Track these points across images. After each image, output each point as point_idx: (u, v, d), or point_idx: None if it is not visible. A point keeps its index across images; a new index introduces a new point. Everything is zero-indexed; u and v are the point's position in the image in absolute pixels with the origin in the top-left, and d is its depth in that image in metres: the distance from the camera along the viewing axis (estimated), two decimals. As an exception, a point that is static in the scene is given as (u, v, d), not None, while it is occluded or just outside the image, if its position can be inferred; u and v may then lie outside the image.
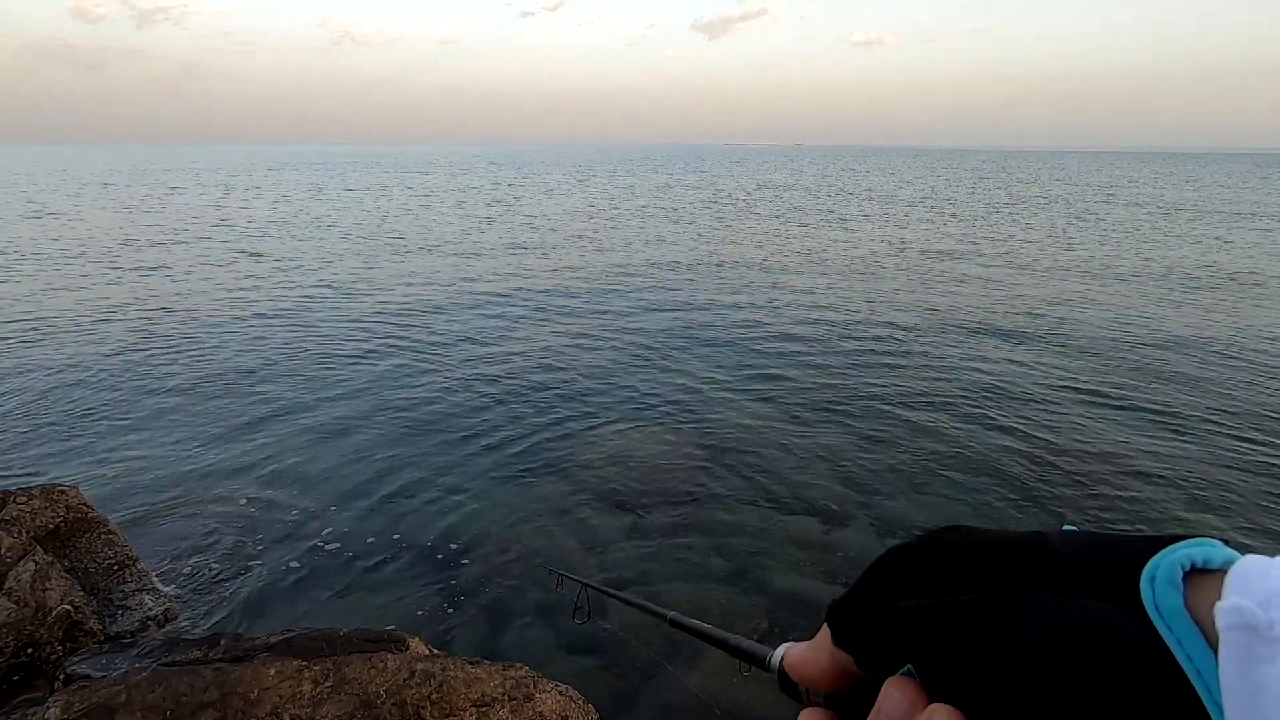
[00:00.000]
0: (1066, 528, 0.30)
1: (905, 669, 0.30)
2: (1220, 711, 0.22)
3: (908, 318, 10.40)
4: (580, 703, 2.56)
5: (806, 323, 10.10)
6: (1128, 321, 10.17)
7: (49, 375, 7.41)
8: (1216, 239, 19.49)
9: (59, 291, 11.49)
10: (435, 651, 2.70)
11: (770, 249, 17.45)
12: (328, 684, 2.38)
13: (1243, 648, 0.22)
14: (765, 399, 7.05)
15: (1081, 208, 29.45)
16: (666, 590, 4.02)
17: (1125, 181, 51.50)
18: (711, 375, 7.72)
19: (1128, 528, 4.42)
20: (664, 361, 8.29)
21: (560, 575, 1.97)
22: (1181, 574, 0.25)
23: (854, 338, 9.29)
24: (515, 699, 2.38)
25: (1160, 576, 0.25)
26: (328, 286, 12.26)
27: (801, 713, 0.36)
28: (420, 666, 2.43)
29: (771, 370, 7.91)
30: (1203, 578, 0.25)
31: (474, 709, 2.32)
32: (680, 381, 7.53)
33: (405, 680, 2.38)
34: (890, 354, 8.55)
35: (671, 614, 0.87)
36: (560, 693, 2.48)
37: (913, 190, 40.63)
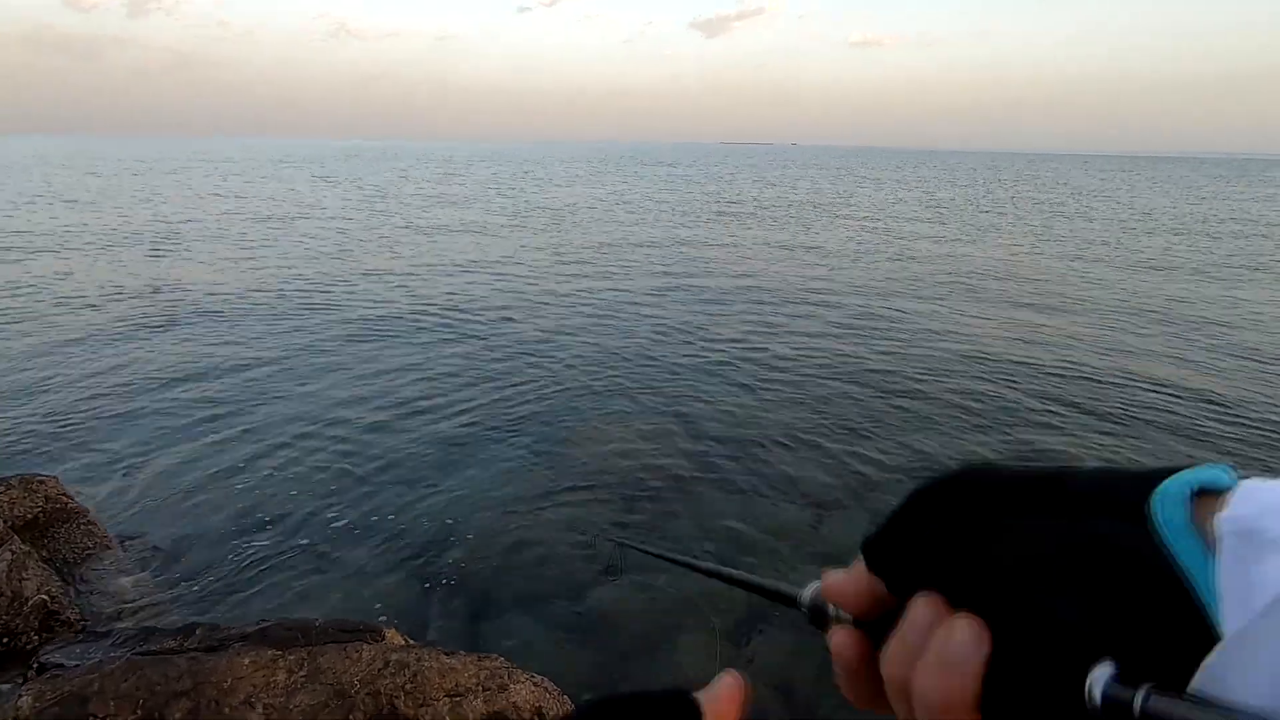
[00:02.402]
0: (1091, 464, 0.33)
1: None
2: (1215, 613, 0.24)
3: (906, 311, 10.45)
4: (555, 694, 2.58)
5: (803, 316, 10.13)
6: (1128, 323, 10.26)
7: (33, 365, 7.34)
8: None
9: (42, 281, 11.38)
10: (411, 642, 2.71)
11: (769, 242, 17.48)
12: (302, 674, 2.38)
13: (1239, 551, 0.24)
14: (756, 391, 7.08)
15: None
16: (654, 581, 4.03)
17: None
18: (703, 367, 7.74)
19: None
20: (653, 352, 8.31)
21: (597, 536, 2.08)
22: (1189, 493, 0.27)
23: (851, 330, 9.33)
24: (489, 689, 2.39)
25: (1169, 496, 0.27)
26: (317, 278, 12.20)
27: (831, 630, 0.37)
28: (395, 657, 2.43)
29: (764, 362, 7.94)
30: (1211, 498, 0.26)
31: (448, 699, 2.33)
32: (669, 373, 7.55)
33: (380, 670, 2.39)
34: (887, 347, 8.59)
35: (705, 564, 0.90)
36: (535, 684, 2.50)
37: (909, 191, 40.79)
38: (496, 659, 2.53)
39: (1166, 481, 0.27)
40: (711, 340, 9.00)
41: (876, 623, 0.35)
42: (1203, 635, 0.24)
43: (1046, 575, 0.27)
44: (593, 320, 9.94)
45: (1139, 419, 6.55)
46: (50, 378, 7.01)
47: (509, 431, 6.10)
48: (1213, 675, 0.23)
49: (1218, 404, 6.95)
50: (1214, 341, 9.30)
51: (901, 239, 19.13)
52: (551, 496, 4.98)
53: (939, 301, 11.41)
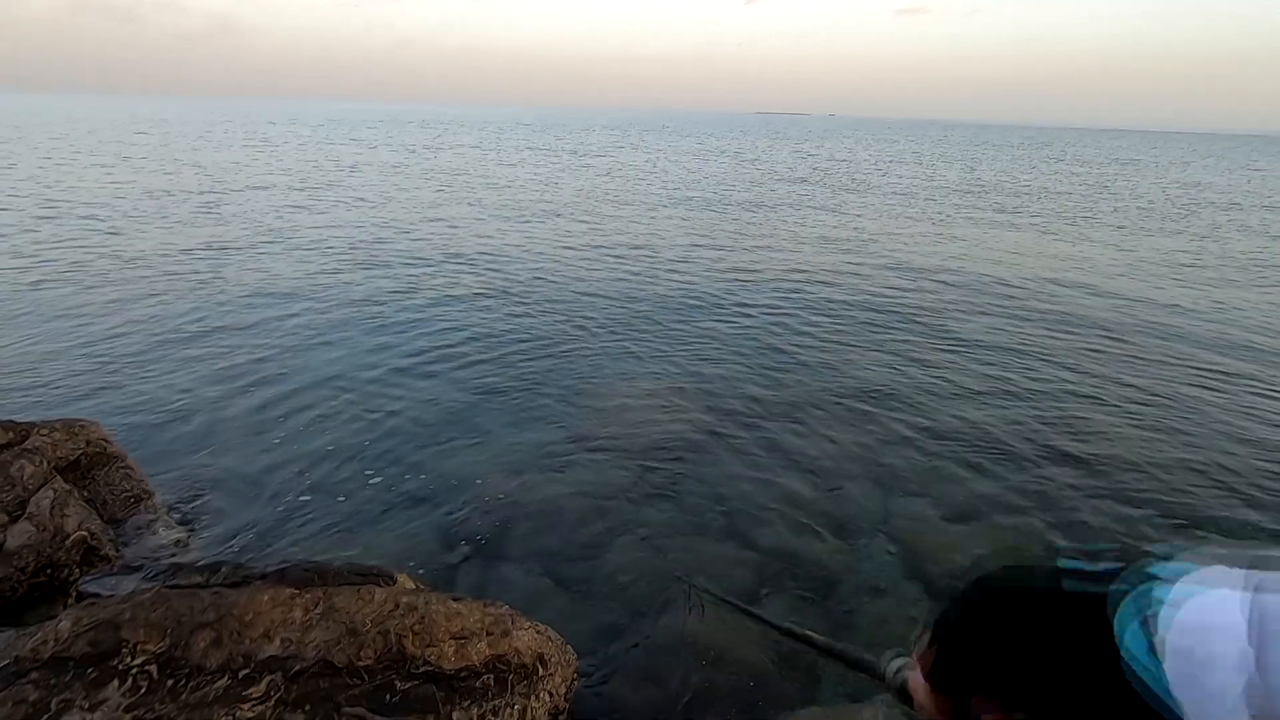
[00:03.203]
0: (1061, 561, 0.42)
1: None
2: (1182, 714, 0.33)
3: (933, 294, 10.30)
4: (558, 643, 2.68)
5: (829, 295, 10.04)
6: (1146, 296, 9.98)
7: (78, 315, 7.64)
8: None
9: (97, 238, 11.74)
10: (421, 587, 2.83)
11: (801, 219, 17.25)
12: (317, 611, 2.51)
13: (1183, 673, 0.33)
14: (774, 366, 7.07)
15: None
16: (665, 545, 4.11)
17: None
18: (723, 339, 7.75)
19: (1118, 527, 4.42)
20: (680, 317, 8.35)
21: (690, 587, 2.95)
22: (1140, 628, 0.36)
23: (873, 310, 9.23)
24: (493, 634, 2.49)
25: (1129, 629, 0.36)
26: (354, 235, 12.41)
27: None
28: (405, 599, 2.55)
29: (792, 330, 7.91)
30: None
31: (453, 641, 2.44)
32: (691, 343, 7.57)
33: (390, 611, 2.51)
34: (909, 329, 8.49)
35: (785, 624, 1.11)
36: (538, 631, 2.60)
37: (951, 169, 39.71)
38: (501, 606, 2.63)
39: (1123, 610, 0.37)
40: (740, 308, 8.99)
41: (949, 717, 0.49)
42: None
43: (1069, 686, 0.37)
44: (624, 283, 9.99)
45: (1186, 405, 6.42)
46: (93, 327, 7.30)
47: (532, 390, 6.22)
48: None
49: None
50: None
51: (948, 216, 18.71)
52: (569, 457, 5.08)
53: (989, 284, 11.21)
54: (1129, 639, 0.36)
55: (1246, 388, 6.83)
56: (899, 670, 0.58)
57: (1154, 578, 0.37)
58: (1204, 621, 0.34)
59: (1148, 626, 0.35)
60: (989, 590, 0.45)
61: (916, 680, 0.51)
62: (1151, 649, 0.34)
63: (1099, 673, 0.36)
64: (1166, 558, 0.38)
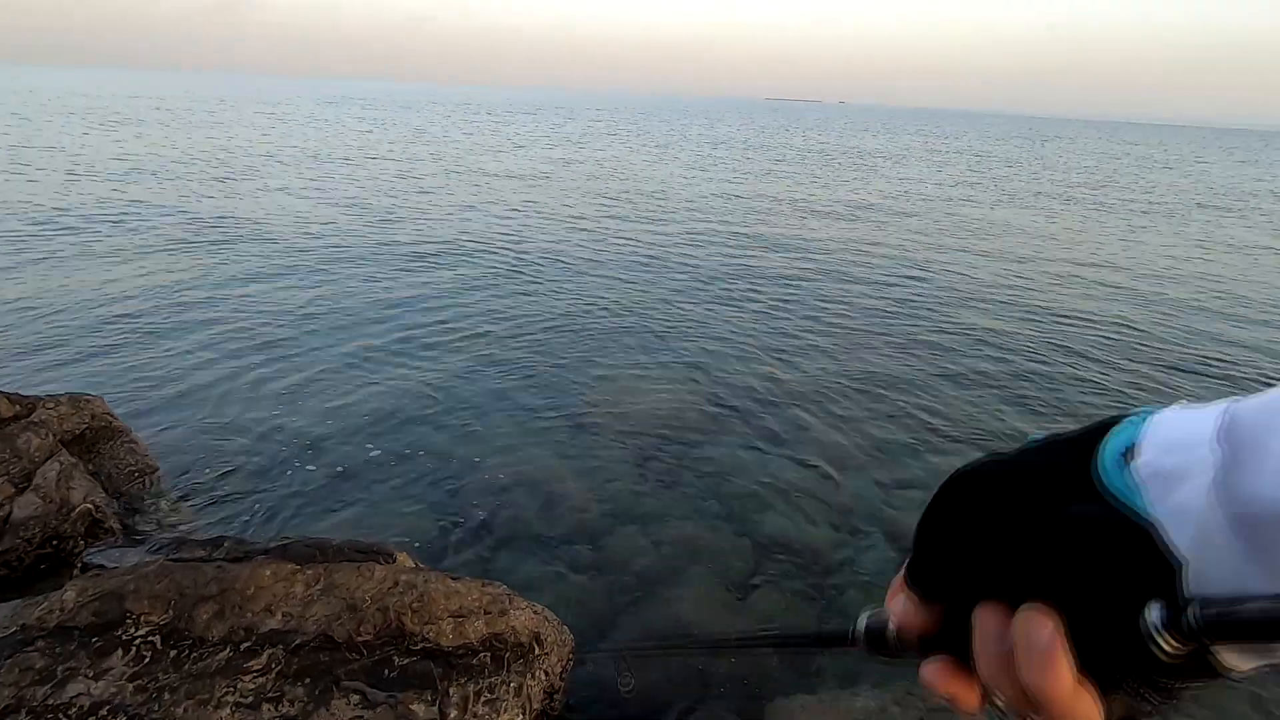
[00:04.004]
0: (1032, 437, 0.40)
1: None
2: (1169, 541, 0.32)
3: (945, 282, 10.27)
4: (554, 623, 2.71)
5: (838, 283, 10.02)
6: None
7: (85, 287, 7.67)
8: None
9: (104, 206, 11.76)
10: (420, 565, 2.87)
11: (809, 207, 17.18)
12: (318, 587, 2.55)
13: (1157, 492, 0.32)
14: (780, 351, 7.08)
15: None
16: (663, 530, 4.15)
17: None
18: (724, 332, 7.76)
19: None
20: (688, 305, 8.35)
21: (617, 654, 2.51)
22: (1120, 458, 0.34)
23: (882, 297, 9.22)
24: (491, 613, 2.53)
25: (1109, 470, 0.34)
26: (366, 214, 12.41)
27: (922, 665, 0.42)
28: (404, 577, 2.59)
29: (786, 331, 7.92)
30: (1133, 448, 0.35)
31: (451, 619, 2.48)
32: (698, 331, 7.58)
33: (390, 589, 2.55)
34: (915, 324, 8.49)
35: (734, 636, 0.88)
36: (535, 611, 2.63)
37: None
38: (499, 586, 2.67)
39: (1102, 454, 0.35)
40: (747, 297, 8.98)
41: (936, 638, 0.42)
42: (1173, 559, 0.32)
43: (1078, 556, 0.34)
44: (635, 270, 9.99)
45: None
46: (100, 300, 7.33)
47: (536, 372, 6.26)
48: (1194, 583, 0.31)
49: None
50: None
51: (964, 206, 18.62)
52: (571, 439, 5.11)
53: (1005, 269, 11.17)
54: (1111, 473, 0.34)
55: None
56: (869, 616, 0.47)
57: (1128, 417, 0.36)
58: (1178, 437, 0.33)
59: (1125, 456, 0.34)
60: (962, 469, 0.41)
61: (894, 604, 0.44)
62: (1130, 476, 0.34)
63: (1081, 506, 0.34)
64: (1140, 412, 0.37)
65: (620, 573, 3.74)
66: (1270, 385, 0.34)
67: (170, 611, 2.48)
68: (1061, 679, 0.33)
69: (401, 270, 9.31)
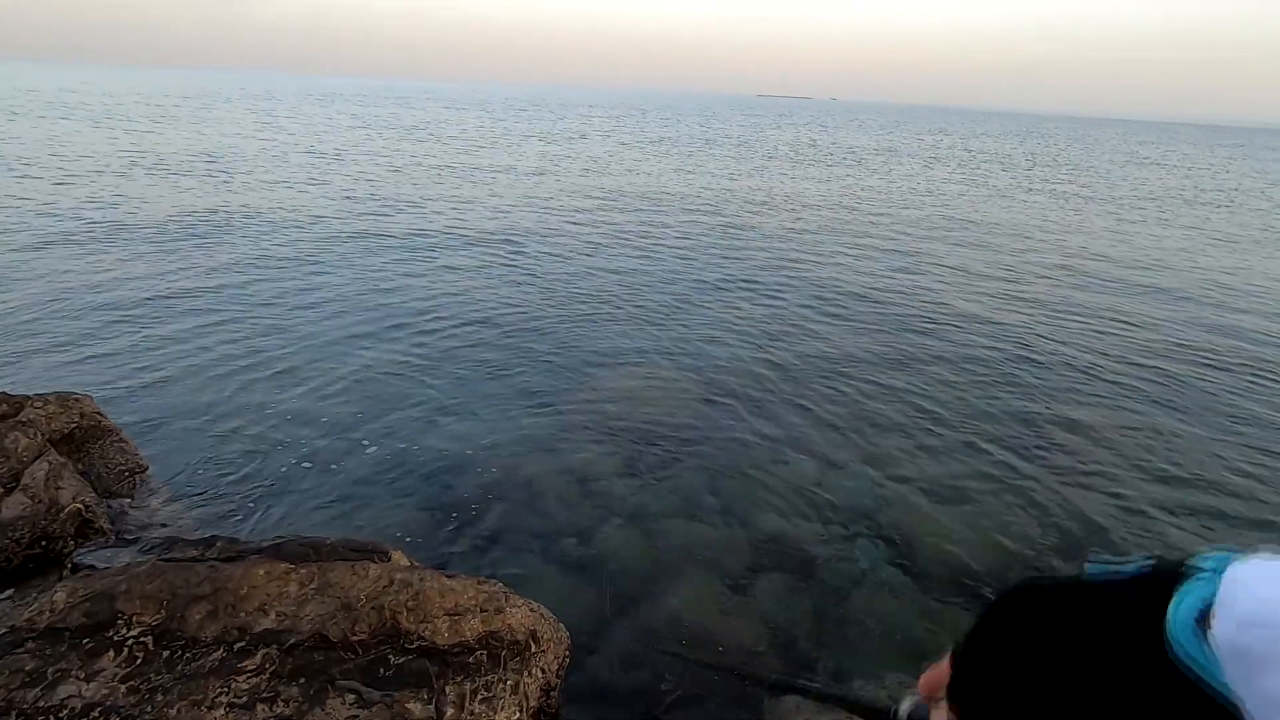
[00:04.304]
0: (1089, 566, 0.37)
1: None
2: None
3: (933, 278, 10.30)
4: (551, 620, 2.70)
5: (831, 274, 10.04)
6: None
7: (79, 288, 7.59)
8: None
9: (102, 206, 11.64)
10: (416, 564, 2.85)
11: (803, 201, 17.19)
12: (312, 586, 2.53)
13: (1240, 672, 0.29)
14: (771, 352, 7.09)
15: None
16: (659, 526, 4.14)
17: (1169, 152, 49.57)
18: (719, 326, 7.75)
19: (1142, 534, 4.40)
20: (676, 305, 8.34)
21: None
22: (1194, 624, 0.31)
23: (873, 292, 9.24)
24: (487, 611, 2.51)
25: (1181, 629, 0.31)
26: (359, 209, 12.33)
27: None
28: (399, 576, 2.57)
29: (780, 326, 7.92)
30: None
31: (447, 617, 2.46)
32: (687, 330, 7.58)
33: (385, 587, 2.53)
34: (910, 312, 8.51)
35: (799, 683, 0.92)
36: (531, 609, 2.62)
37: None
38: (495, 583, 2.66)
39: (1174, 617, 0.32)
40: (741, 290, 8.99)
41: None
42: None
43: (1114, 689, 0.32)
44: (629, 265, 9.97)
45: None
46: (89, 297, 7.26)
47: (531, 368, 6.25)
48: None
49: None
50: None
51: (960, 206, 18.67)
52: (566, 436, 5.10)
53: (995, 267, 11.21)
54: (1183, 638, 0.31)
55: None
56: (912, 705, 0.48)
57: (1199, 569, 0.33)
58: (1266, 613, 0.29)
59: (1201, 622, 0.31)
60: (1016, 589, 0.39)
61: (936, 713, 0.44)
62: (1207, 646, 0.30)
63: (1149, 673, 0.31)
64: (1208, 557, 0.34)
65: (616, 569, 3.73)
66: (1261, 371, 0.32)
67: (162, 612, 2.45)
68: None
69: (393, 265, 9.27)
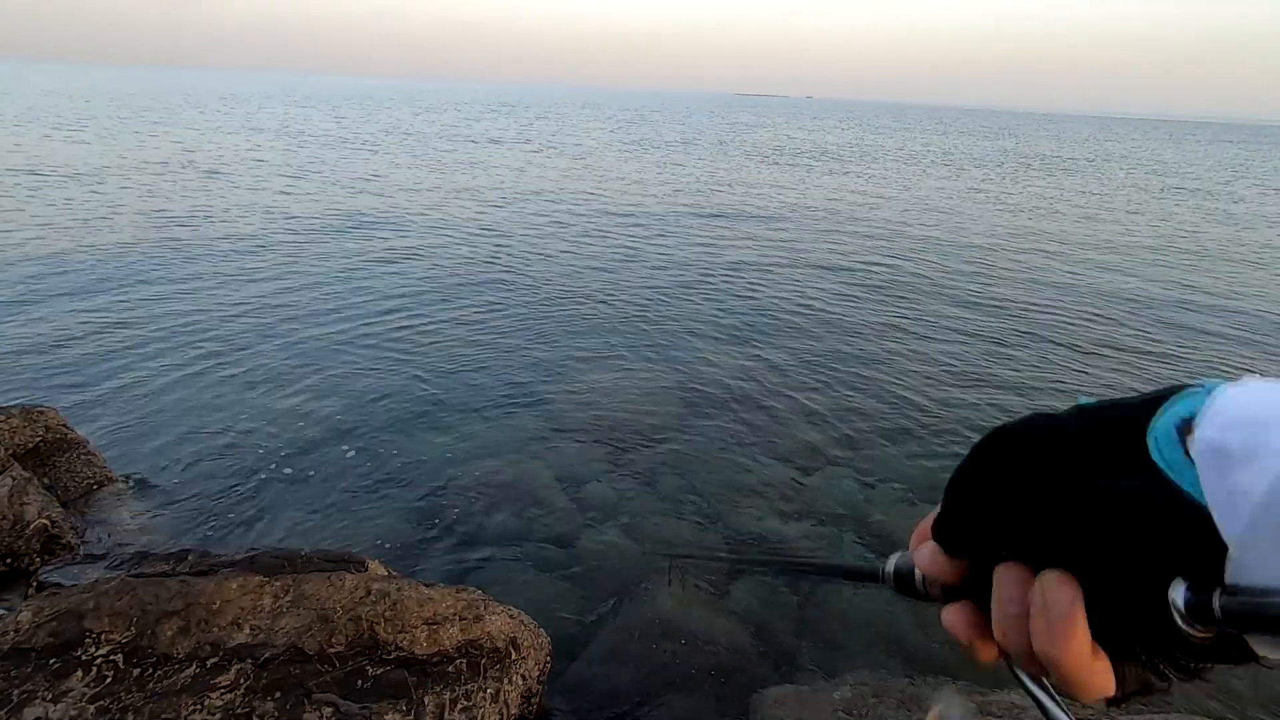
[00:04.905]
0: (1081, 400, 0.37)
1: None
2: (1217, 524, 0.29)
3: (910, 279, 10.40)
4: (531, 626, 2.69)
5: (811, 271, 10.10)
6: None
7: (43, 298, 7.41)
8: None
9: (63, 216, 11.36)
10: (393, 573, 2.82)
11: (776, 201, 17.28)
12: (287, 599, 2.49)
13: (1214, 471, 0.29)
14: (751, 350, 7.11)
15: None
16: (641, 526, 4.14)
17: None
18: (699, 325, 7.77)
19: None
20: (652, 308, 8.33)
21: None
22: (1176, 431, 0.31)
23: (850, 296, 9.31)
24: (465, 619, 2.49)
25: (1162, 439, 0.32)
26: (334, 215, 12.16)
27: (943, 609, 0.42)
28: (376, 586, 2.54)
29: (760, 323, 7.95)
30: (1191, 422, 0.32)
31: (425, 626, 2.44)
32: (666, 329, 7.58)
33: (361, 598, 2.50)
34: (884, 313, 8.58)
35: (780, 559, 0.90)
36: (510, 615, 2.60)
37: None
38: (474, 591, 2.64)
39: (1156, 425, 0.32)
40: (720, 290, 9.01)
41: (960, 588, 0.41)
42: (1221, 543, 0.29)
43: (1107, 526, 0.32)
44: (608, 266, 9.95)
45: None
46: (54, 307, 7.08)
47: (508, 371, 6.21)
48: (1236, 571, 0.28)
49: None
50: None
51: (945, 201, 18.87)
52: (544, 439, 5.08)
53: (976, 264, 11.34)
54: (1163, 444, 0.31)
55: None
56: (898, 559, 0.47)
57: (1192, 387, 0.33)
58: (1250, 414, 0.29)
59: (1182, 430, 0.31)
60: (1005, 427, 0.38)
61: (920, 551, 0.43)
62: (1185, 451, 0.30)
63: (1129, 479, 0.32)
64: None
65: (598, 572, 3.72)
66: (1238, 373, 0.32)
67: (132, 629, 2.40)
68: (1077, 646, 0.33)
69: (367, 271, 9.16)
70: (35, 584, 2.79)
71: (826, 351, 7.11)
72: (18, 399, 4.93)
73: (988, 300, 9.26)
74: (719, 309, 8.35)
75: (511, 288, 8.73)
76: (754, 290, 9.22)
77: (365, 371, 6.01)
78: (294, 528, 3.91)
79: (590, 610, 3.48)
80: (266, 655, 2.35)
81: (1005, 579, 0.36)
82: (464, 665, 2.40)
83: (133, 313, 7.17)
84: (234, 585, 2.49)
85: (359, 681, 2.29)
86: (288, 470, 4.48)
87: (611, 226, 13.02)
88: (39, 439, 4.06)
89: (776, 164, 26.62)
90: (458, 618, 2.49)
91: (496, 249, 10.79)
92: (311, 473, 4.49)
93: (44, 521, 3.47)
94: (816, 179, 22.37)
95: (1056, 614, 0.33)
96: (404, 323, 7.22)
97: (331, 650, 2.37)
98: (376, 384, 5.79)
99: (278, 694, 2.24)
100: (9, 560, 3.34)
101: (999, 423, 0.39)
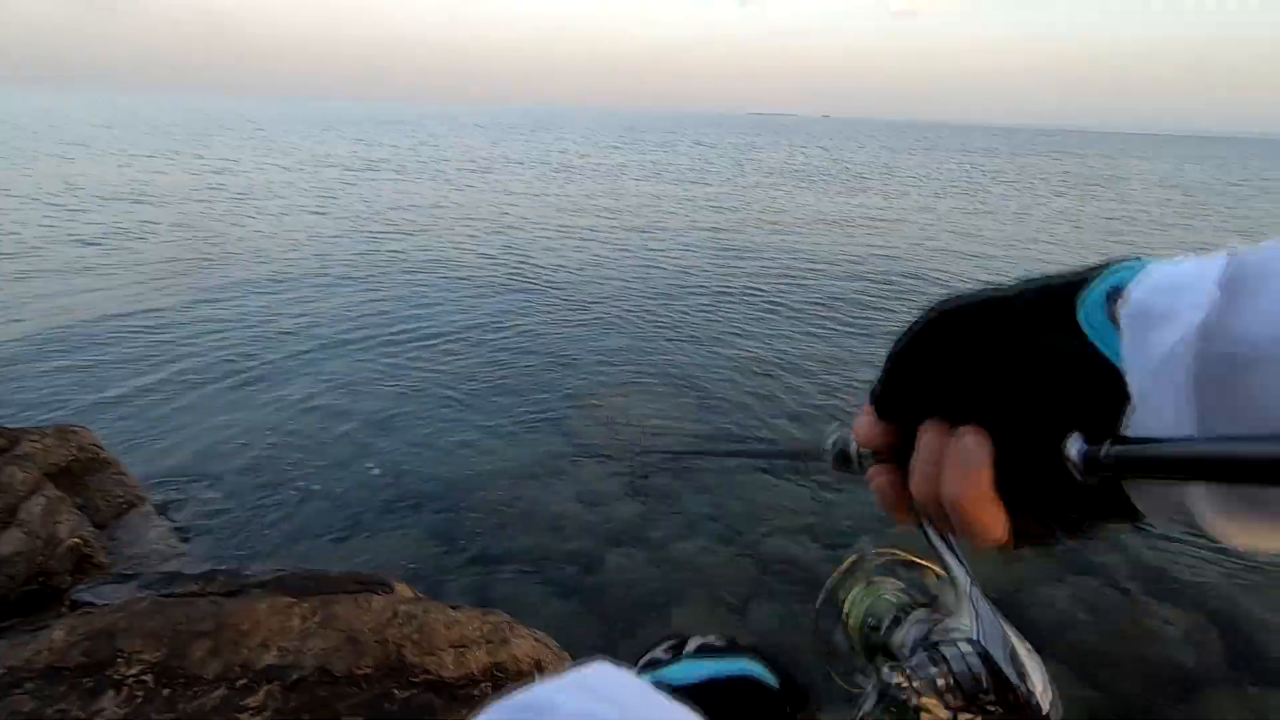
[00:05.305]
0: (1027, 275, 0.39)
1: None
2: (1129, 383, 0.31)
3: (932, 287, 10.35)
4: (555, 649, 2.68)
5: (840, 288, 10.07)
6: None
7: (76, 318, 7.57)
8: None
9: (100, 238, 11.64)
10: (420, 595, 2.83)
11: (778, 212, 17.31)
12: (316, 620, 2.50)
13: (1134, 331, 0.31)
14: (779, 367, 7.09)
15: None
16: (663, 548, 4.12)
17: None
18: (721, 339, 7.77)
19: None
20: (671, 324, 8.35)
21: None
22: (1104, 297, 0.33)
23: (862, 303, 9.28)
24: (492, 642, 2.49)
25: (1090, 304, 0.33)
26: (359, 237, 12.36)
27: (870, 470, 0.45)
28: (404, 608, 2.54)
29: (790, 341, 7.93)
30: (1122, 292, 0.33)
31: (452, 649, 2.44)
32: (685, 345, 7.58)
33: (389, 620, 2.50)
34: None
35: (723, 447, 0.94)
36: (536, 639, 2.60)
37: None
38: (500, 614, 2.63)
39: (1087, 292, 0.34)
40: (742, 309, 9.01)
41: (889, 455, 0.43)
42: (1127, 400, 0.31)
43: (1019, 383, 0.34)
44: (627, 287, 10.00)
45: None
46: (85, 328, 7.24)
47: (532, 392, 6.24)
48: (1135, 425, 0.30)
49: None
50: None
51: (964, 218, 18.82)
52: (566, 460, 5.08)
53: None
54: (1089, 310, 0.33)
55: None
56: (836, 436, 0.49)
57: (1127, 261, 0.34)
58: (1174, 281, 0.31)
59: (1111, 298, 0.32)
60: (943, 301, 0.39)
61: (856, 422, 0.44)
62: (1112, 318, 0.32)
63: (1054, 352, 0.33)
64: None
65: (621, 594, 3.71)
66: None
67: (163, 649, 2.42)
68: (978, 491, 0.34)
69: (391, 293, 9.27)
70: (68, 603, 2.83)
71: (856, 361, 7.06)
72: (51, 419, 5.02)
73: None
74: (739, 329, 8.33)
75: (533, 306, 8.80)
76: (779, 309, 9.21)
77: (388, 389, 6.08)
78: (319, 547, 3.94)
79: (613, 634, 3.46)
80: (295, 677, 2.35)
81: (928, 435, 0.38)
82: (490, 689, 2.39)
83: (161, 334, 7.30)
84: (263, 606, 2.51)
85: (386, 704, 2.29)
86: (313, 491, 4.52)
87: (635, 245, 13.09)
88: (72, 458, 4.13)
89: (804, 186, 26.69)
90: (484, 641, 2.49)
91: (518, 266, 10.92)
92: (337, 491, 4.52)
93: (76, 541, 3.52)
94: (838, 197, 22.39)
95: (967, 463, 0.35)
96: (424, 347, 7.27)
97: (359, 672, 2.37)
98: (399, 401, 5.84)
99: (306, 716, 2.24)
100: (41, 579, 3.39)
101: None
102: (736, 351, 7.56)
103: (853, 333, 8.43)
